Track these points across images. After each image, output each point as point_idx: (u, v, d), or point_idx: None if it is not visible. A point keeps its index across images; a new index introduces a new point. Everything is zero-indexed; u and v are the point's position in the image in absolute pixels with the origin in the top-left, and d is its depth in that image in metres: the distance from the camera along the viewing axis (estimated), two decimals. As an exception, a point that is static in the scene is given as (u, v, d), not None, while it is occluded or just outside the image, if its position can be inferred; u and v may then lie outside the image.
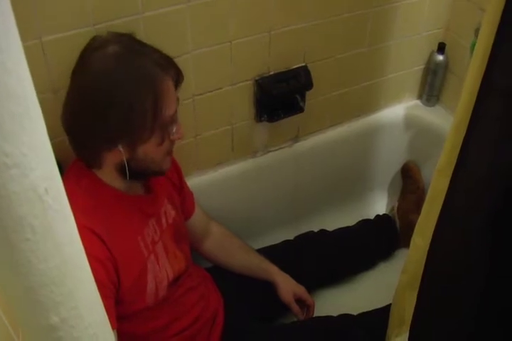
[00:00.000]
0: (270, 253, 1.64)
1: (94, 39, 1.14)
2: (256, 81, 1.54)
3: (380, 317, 1.46)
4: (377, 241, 1.84)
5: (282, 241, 1.75)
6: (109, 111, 1.07)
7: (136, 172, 1.16)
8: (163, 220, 1.31)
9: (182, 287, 1.35)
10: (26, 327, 0.52)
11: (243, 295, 1.55)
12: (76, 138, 1.16)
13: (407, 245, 1.83)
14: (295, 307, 1.56)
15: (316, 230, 1.80)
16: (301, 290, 1.58)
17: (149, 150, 1.13)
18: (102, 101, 1.07)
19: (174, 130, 1.16)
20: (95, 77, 1.08)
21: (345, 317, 1.57)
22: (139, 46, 1.13)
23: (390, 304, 1.39)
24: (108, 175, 1.18)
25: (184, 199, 1.45)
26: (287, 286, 1.56)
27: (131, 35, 1.15)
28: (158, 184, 1.30)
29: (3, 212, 0.40)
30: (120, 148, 1.10)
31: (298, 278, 1.60)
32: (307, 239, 1.76)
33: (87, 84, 1.09)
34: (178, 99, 1.17)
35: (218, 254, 1.58)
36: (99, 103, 1.07)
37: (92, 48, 1.11)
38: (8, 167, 0.39)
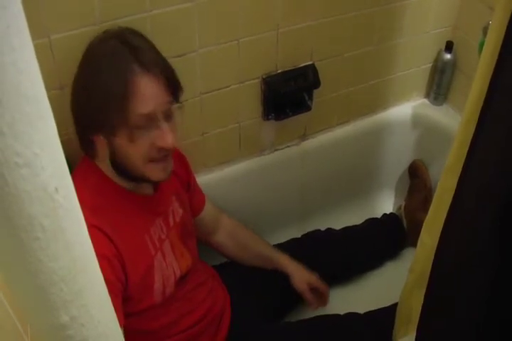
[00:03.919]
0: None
1: (104, 32, 1.15)
2: (263, 79, 1.54)
3: (386, 315, 1.45)
4: (384, 240, 1.83)
5: (289, 240, 1.75)
6: (84, 96, 1.12)
7: (125, 171, 1.17)
8: (171, 218, 1.31)
9: (189, 283, 1.36)
10: (36, 326, 0.52)
11: (249, 292, 1.55)
12: (74, 122, 1.19)
13: (414, 244, 1.82)
14: (309, 295, 1.55)
15: (322, 229, 1.80)
16: (314, 278, 1.57)
17: (123, 146, 1.12)
18: (80, 87, 1.13)
19: (154, 135, 1.12)
20: (83, 65, 1.13)
21: (351, 315, 1.57)
22: (138, 43, 1.12)
23: (397, 303, 1.39)
24: (113, 173, 1.18)
25: (193, 195, 1.45)
26: (300, 275, 1.56)
27: (137, 32, 1.16)
28: (166, 182, 1.30)
29: (14, 211, 0.40)
30: (101, 136, 1.13)
31: None
32: (314, 237, 1.76)
33: (78, 69, 1.15)
34: (169, 109, 1.14)
35: (230, 246, 1.58)
36: (78, 89, 1.14)
37: (96, 40, 1.14)
38: (20, 166, 0.39)
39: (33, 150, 0.39)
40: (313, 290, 1.57)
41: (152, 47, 1.15)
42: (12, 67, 0.37)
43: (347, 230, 1.81)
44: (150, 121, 1.11)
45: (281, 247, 1.70)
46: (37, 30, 1.14)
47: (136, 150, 1.13)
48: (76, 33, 1.19)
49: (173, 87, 1.15)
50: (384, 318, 1.47)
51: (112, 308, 0.58)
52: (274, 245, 1.70)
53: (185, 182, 1.41)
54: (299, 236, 1.77)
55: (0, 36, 0.35)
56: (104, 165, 1.19)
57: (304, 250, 1.71)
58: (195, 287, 1.37)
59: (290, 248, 1.71)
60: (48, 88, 0.41)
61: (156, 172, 1.17)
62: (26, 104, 0.38)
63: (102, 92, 1.09)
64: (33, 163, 0.40)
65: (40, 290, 0.46)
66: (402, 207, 1.90)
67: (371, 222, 1.88)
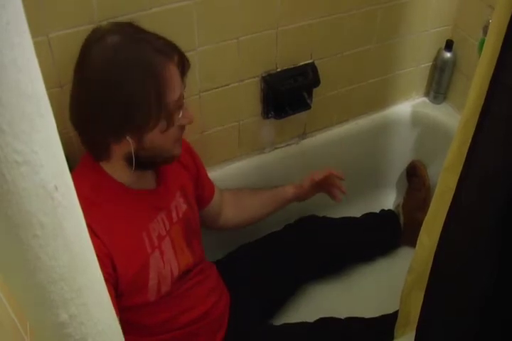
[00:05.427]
0: (273, 238, 1.68)
1: (94, 31, 1.13)
2: (263, 77, 1.53)
3: (387, 322, 1.44)
4: (379, 231, 1.84)
5: (285, 225, 1.76)
6: (111, 101, 1.07)
7: (146, 161, 1.17)
8: (174, 214, 1.30)
9: (189, 281, 1.34)
10: (35, 324, 0.52)
11: (248, 291, 1.55)
12: (83, 132, 1.16)
13: (408, 243, 1.84)
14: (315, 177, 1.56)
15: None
16: (305, 180, 1.58)
17: (156, 138, 1.13)
18: (104, 92, 1.07)
19: (181, 115, 1.16)
20: (95, 68, 1.08)
21: (352, 318, 1.56)
22: (139, 34, 1.12)
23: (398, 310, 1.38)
24: (116, 168, 1.18)
25: (203, 187, 1.45)
26: (299, 184, 1.59)
27: (131, 23, 1.14)
28: (171, 176, 1.29)
29: (13, 208, 0.40)
30: (128, 138, 1.10)
31: (297, 263, 1.63)
32: (311, 221, 1.78)
33: (88, 76, 1.09)
34: (184, 84, 1.16)
35: (239, 214, 1.58)
36: (100, 95, 1.08)
37: (92, 40, 1.11)
38: (19, 164, 0.39)
39: (33, 148, 0.39)
40: (324, 184, 1.58)
41: (151, 32, 1.14)
42: (12, 65, 0.37)
43: (344, 218, 1.82)
44: (179, 104, 1.14)
45: (277, 233, 1.71)
46: (35, 28, 1.14)
47: (169, 137, 1.15)
48: (75, 31, 1.19)
49: (182, 63, 1.16)
50: (384, 325, 1.46)
51: (112, 306, 0.58)
52: (270, 233, 1.72)
53: (193, 174, 1.41)
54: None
55: (-1, 33, 0.35)
56: (106, 163, 1.18)
57: (302, 232, 1.72)
58: (194, 285, 1.36)
59: (287, 232, 1.72)
60: (48, 86, 0.41)
61: (179, 148, 1.22)
62: (26, 102, 0.38)
63: (132, 92, 1.06)
64: (32, 161, 0.40)
65: (39, 288, 0.46)
66: (400, 205, 1.91)
67: (369, 215, 1.89)
